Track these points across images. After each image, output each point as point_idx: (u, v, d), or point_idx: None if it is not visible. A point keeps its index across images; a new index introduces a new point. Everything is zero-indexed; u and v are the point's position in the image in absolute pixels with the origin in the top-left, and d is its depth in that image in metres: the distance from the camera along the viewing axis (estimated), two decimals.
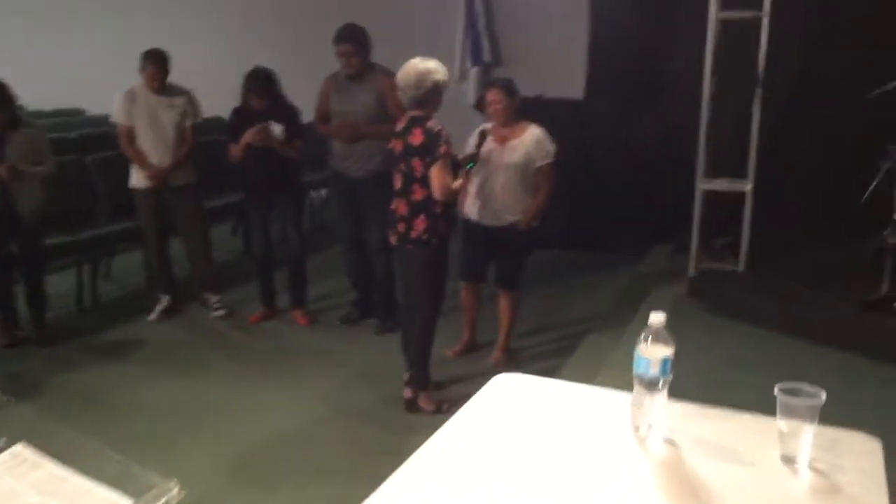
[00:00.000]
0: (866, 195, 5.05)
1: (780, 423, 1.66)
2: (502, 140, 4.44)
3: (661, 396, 1.73)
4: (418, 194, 3.90)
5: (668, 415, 1.75)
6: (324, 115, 5.20)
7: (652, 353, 1.70)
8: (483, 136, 4.28)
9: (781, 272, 5.41)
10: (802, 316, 4.91)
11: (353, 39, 4.90)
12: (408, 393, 4.22)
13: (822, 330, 4.77)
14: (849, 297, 4.88)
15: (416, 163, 3.83)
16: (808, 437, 1.62)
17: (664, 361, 1.70)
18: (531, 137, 4.47)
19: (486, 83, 4.66)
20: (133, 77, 5.36)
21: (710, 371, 4.19)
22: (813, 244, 5.80)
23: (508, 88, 4.50)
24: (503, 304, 4.77)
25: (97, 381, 4.66)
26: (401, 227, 3.98)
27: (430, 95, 3.88)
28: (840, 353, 4.59)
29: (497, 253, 4.67)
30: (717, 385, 4.04)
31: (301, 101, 5.36)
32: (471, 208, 4.61)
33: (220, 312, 5.63)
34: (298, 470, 3.72)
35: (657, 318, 1.72)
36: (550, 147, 4.50)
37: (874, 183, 4.99)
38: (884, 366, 4.42)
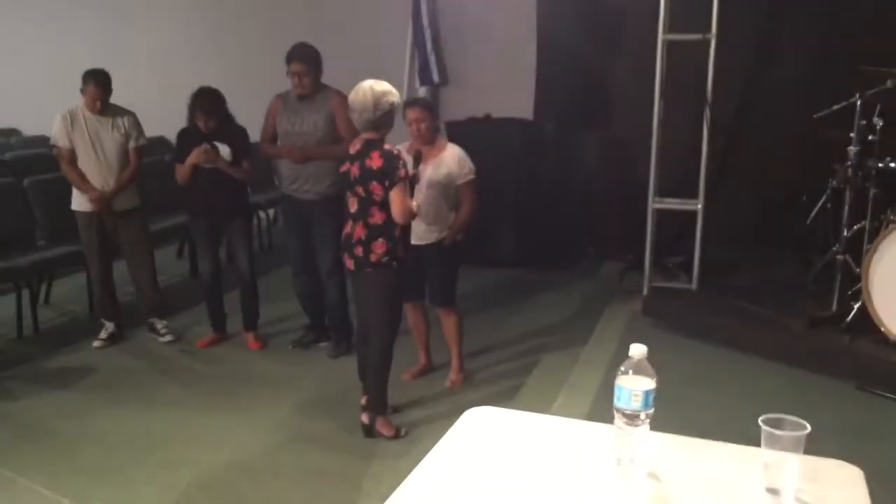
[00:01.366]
0: (813, 214, 5.16)
1: (765, 455, 1.64)
2: (425, 159, 4.43)
3: (644, 429, 1.70)
4: (377, 217, 3.84)
5: (649, 447, 1.72)
6: (270, 135, 5.09)
7: (634, 386, 1.67)
8: (419, 156, 4.26)
9: (733, 290, 5.49)
10: (754, 333, 4.97)
11: (305, 59, 4.82)
12: (365, 418, 4.14)
13: (773, 347, 4.84)
14: (799, 315, 4.96)
15: (375, 186, 3.77)
16: (793, 468, 1.61)
17: (646, 394, 1.67)
18: (452, 155, 4.48)
19: (404, 102, 4.64)
20: (72, 97, 5.20)
21: (670, 390, 4.16)
22: (763, 262, 5.90)
23: (429, 107, 4.54)
24: (444, 322, 4.74)
25: (39, 411, 4.47)
26: (358, 250, 3.91)
27: (385, 118, 3.82)
28: (791, 369, 4.66)
29: (426, 270, 4.64)
30: (678, 404, 4.03)
31: (248, 121, 5.27)
32: None
33: (168, 338, 5.48)
34: (255, 501, 3.60)
35: (638, 350, 1.69)
36: (471, 164, 4.53)
37: (821, 201, 5.10)
38: (834, 381, 4.50)
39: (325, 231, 4.93)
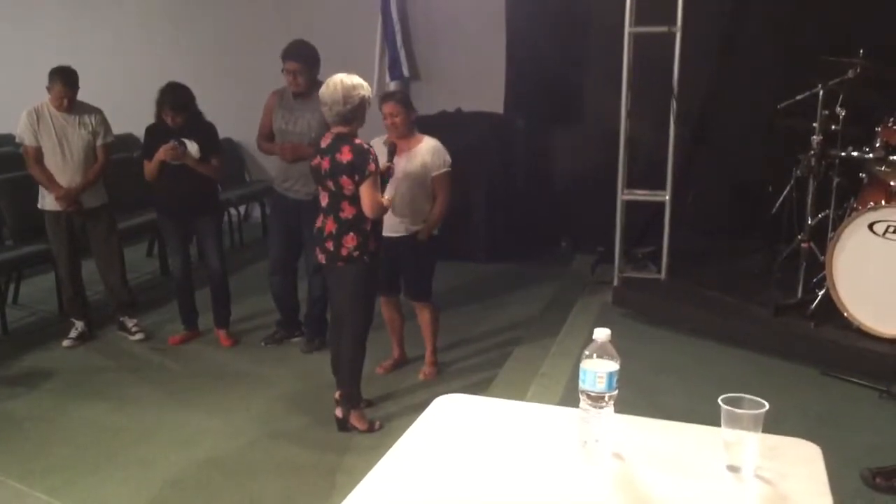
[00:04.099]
0: (779, 203, 5.23)
1: (725, 433, 1.68)
2: (399, 151, 4.45)
3: (608, 411, 1.73)
4: (347, 212, 3.85)
5: (614, 428, 1.75)
6: (267, 132, 5.02)
7: (598, 368, 1.70)
8: (394, 149, 4.27)
9: (701, 279, 5.55)
10: (721, 321, 5.04)
11: (300, 58, 4.78)
12: (339, 412, 4.15)
13: (740, 334, 4.91)
14: (765, 302, 5.03)
15: (346, 180, 3.78)
16: (753, 446, 1.65)
17: (610, 376, 1.71)
18: (427, 147, 4.50)
19: (381, 96, 4.65)
20: (38, 94, 5.16)
21: (641, 378, 4.27)
22: (730, 251, 5.98)
23: (405, 101, 4.53)
24: (421, 316, 4.77)
25: (11, 411, 4.45)
26: (329, 245, 3.92)
27: (356, 112, 3.83)
28: (758, 356, 4.73)
29: (401, 264, 4.65)
30: (648, 391, 4.12)
31: (217, 117, 5.25)
32: None
33: (139, 336, 5.45)
34: (229, 497, 3.60)
35: (602, 333, 1.72)
36: (446, 157, 4.54)
37: (786, 191, 5.18)
38: (799, 367, 4.57)
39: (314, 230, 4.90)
